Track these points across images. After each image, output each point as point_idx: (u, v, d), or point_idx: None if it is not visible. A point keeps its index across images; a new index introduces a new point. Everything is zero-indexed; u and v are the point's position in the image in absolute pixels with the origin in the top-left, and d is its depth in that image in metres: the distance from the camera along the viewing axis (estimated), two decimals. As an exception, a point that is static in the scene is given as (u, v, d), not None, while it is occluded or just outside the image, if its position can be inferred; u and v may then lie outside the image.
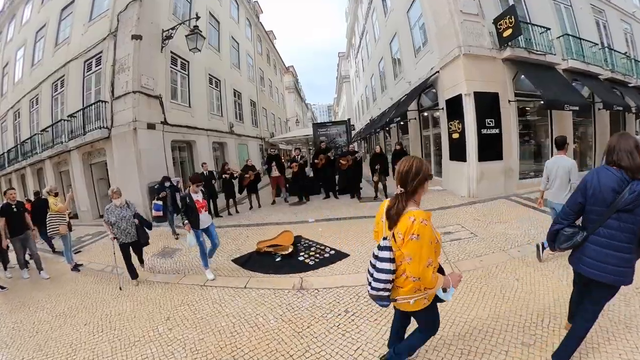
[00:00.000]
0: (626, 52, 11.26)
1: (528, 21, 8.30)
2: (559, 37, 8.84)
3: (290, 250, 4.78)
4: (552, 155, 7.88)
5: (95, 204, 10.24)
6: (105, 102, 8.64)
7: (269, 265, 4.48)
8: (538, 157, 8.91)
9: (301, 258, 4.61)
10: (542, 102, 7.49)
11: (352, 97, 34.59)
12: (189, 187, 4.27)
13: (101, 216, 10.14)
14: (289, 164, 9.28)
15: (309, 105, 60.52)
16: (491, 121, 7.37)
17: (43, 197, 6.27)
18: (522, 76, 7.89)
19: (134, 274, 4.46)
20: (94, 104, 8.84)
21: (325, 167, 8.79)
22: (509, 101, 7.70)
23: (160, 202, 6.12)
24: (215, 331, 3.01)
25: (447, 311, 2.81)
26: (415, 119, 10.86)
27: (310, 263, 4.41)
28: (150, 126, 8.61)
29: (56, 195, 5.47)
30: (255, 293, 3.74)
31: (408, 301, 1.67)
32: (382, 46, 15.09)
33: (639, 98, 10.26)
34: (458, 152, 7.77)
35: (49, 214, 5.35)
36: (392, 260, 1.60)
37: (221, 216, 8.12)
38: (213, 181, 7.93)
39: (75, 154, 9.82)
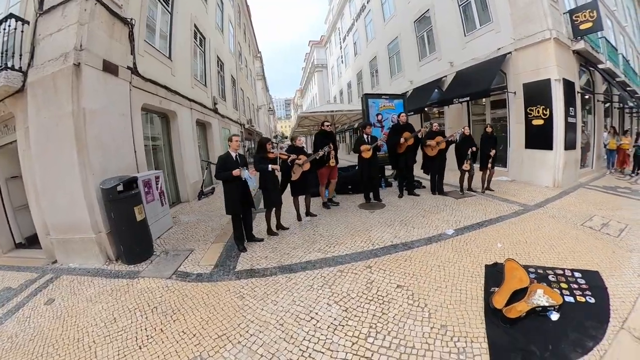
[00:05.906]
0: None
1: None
2: (599, 38, 9.20)
3: (551, 297, 2.61)
4: (599, 147, 9.58)
5: (5, 224, 5.36)
6: (23, 21, 4.40)
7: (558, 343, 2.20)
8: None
9: (570, 298, 2.70)
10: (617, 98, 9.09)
11: (329, 86, 31.64)
12: None
13: (20, 245, 5.51)
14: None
15: (270, 97, 56.54)
16: (573, 110, 7.36)
17: None
18: (582, 70, 8.39)
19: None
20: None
21: (409, 152, 5.97)
22: (578, 92, 7.79)
23: None
24: None
25: None
26: (460, 102, 9.43)
27: (591, 301, 2.67)
28: (109, 68, 4.61)
29: None
30: None
31: None
32: (398, 25, 13.60)
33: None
34: (541, 139, 7.45)
35: None
36: None
37: (261, 239, 4.44)
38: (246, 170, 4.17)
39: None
